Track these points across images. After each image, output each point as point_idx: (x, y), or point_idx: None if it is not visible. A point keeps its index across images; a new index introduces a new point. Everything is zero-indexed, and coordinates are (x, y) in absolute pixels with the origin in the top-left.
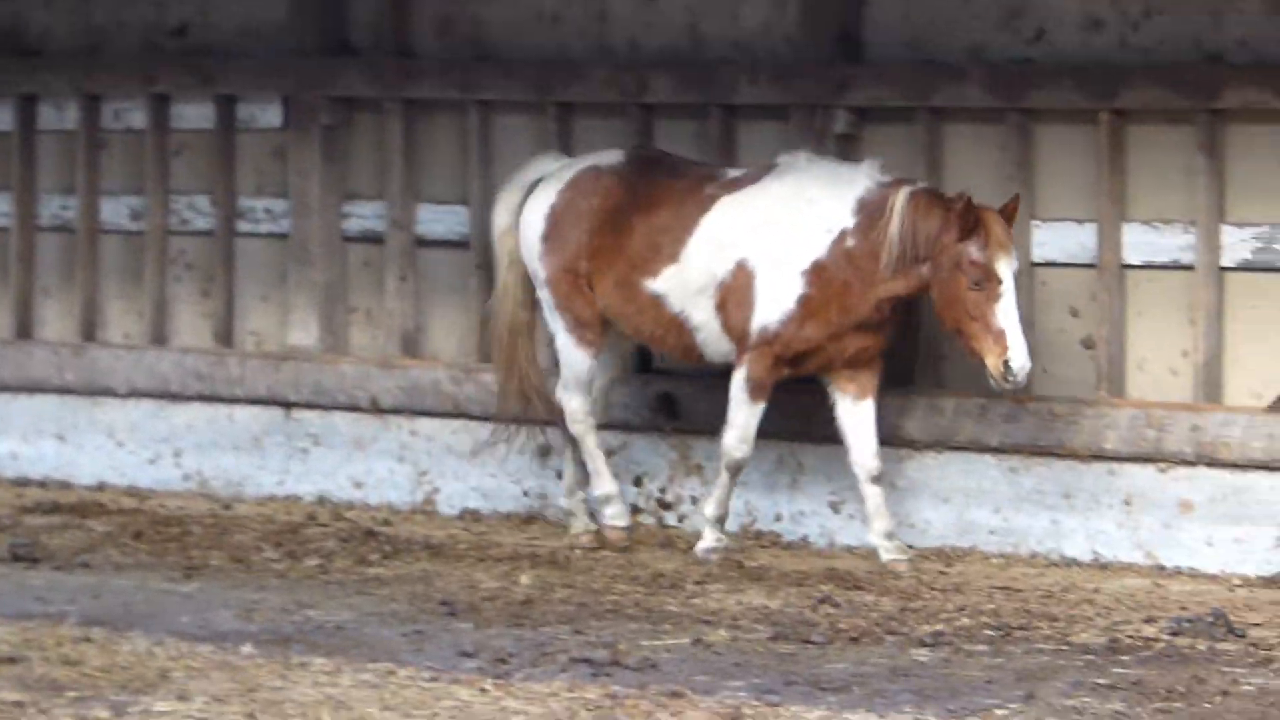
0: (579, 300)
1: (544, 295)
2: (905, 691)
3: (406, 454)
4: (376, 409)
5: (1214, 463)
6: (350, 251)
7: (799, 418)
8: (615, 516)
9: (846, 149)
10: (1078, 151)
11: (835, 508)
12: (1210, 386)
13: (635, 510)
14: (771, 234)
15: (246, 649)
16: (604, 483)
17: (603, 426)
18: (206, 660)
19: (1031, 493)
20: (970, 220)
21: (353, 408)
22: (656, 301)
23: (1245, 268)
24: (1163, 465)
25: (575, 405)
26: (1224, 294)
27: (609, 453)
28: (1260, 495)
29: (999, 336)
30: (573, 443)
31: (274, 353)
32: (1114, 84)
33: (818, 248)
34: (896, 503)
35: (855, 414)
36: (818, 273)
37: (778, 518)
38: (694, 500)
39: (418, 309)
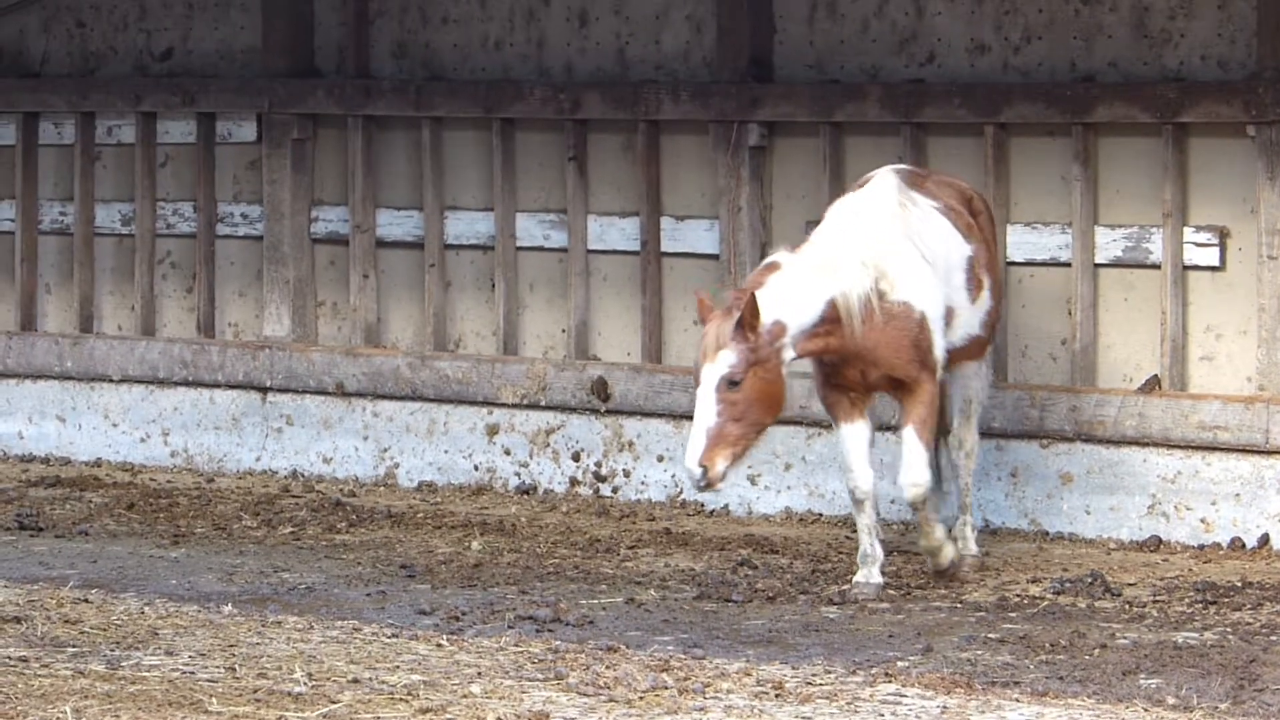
0: None
1: None
2: (816, 645)
3: (370, 433)
4: (343, 392)
5: (1091, 439)
6: (318, 251)
7: None
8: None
9: (759, 160)
10: (966, 162)
11: (753, 480)
12: (1086, 371)
13: (574, 483)
14: None
15: (227, 608)
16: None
17: (542, 407)
18: (192, 619)
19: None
20: (701, 315)
21: (321, 391)
22: None
23: (1116, 264)
24: (1045, 441)
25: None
26: (1098, 288)
27: (548, 431)
28: (1133, 468)
29: None
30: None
31: (251, 342)
32: (998, 101)
33: None
34: (808, 475)
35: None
36: None
37: None
38: (626, 474)
39: (379, 303)
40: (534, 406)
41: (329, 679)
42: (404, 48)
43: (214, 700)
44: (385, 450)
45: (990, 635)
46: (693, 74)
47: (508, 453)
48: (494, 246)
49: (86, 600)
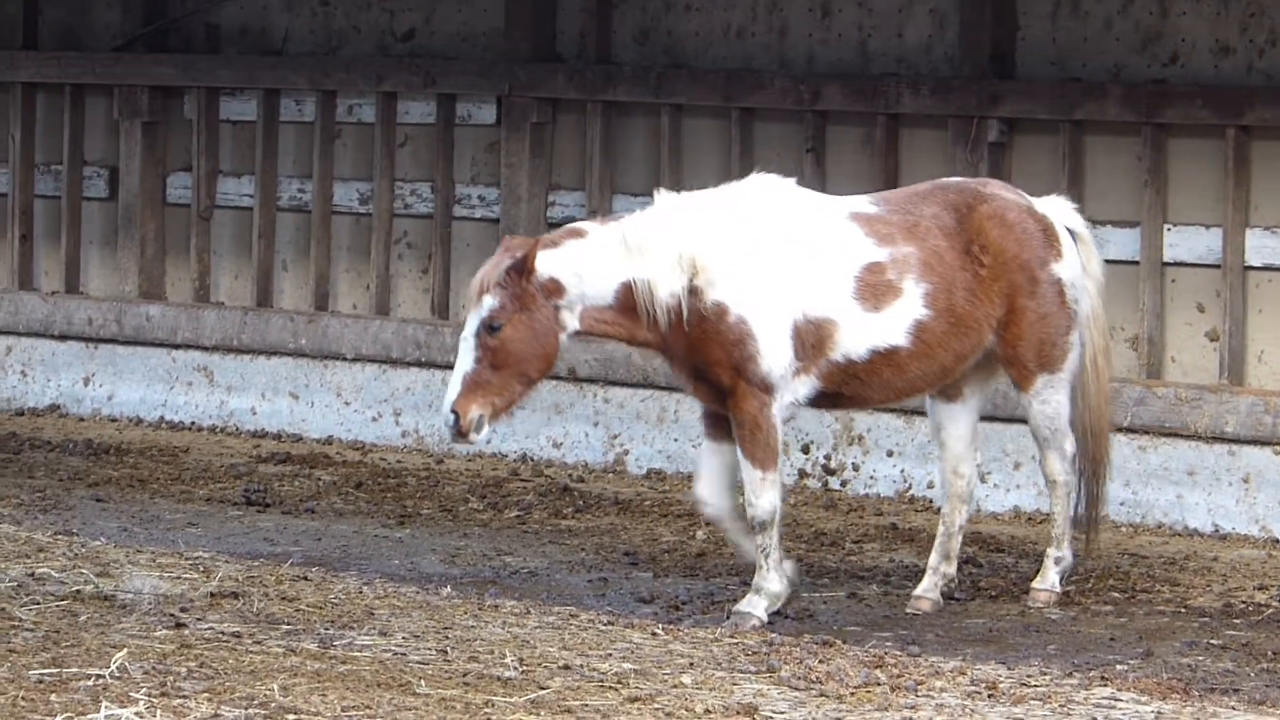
0: None
1: None
2: (1035, 646)
3: (600, 419)
4: (574, 378)
5: None
6: None
7: None
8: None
9: (998, 156)
10: (1206, 163)
11: (981, 477)
12: None
13: (802, 475)
14: None
15: (446, 591)
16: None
17: None
18: (409, 600)
19: (1158, 469)
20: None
21: (553, 376)
22: None
23: None
24: (1278, 448)
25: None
26: None
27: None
28: None
29: None
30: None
31: None
32: (1240, 104)
33: None
34: (1037, 474)
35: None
36: None
37: (929, 485)
38: (855, 467)
39: None
40: None
41: (540, 665)
42: (646, 34)
43: (422, 683)
44: (615, 437)
45: (1213, 641)
46: (934, 68)
47: None
48: None
49: (305, 578)
